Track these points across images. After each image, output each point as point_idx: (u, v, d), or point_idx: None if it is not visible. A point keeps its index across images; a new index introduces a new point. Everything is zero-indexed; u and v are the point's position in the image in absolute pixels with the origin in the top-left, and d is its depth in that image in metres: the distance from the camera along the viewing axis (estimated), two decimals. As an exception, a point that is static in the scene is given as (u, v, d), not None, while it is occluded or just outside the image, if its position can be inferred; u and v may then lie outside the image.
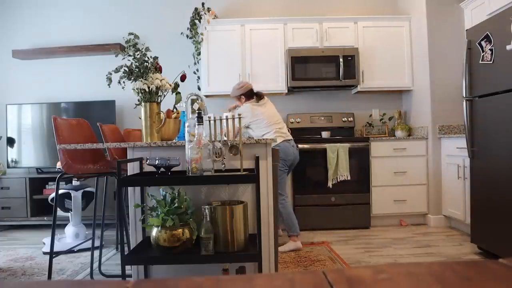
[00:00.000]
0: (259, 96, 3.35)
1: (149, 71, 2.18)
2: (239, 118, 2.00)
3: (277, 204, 2.41)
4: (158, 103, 2.22)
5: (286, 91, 4.31)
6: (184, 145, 1.92)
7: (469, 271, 0.36)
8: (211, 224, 1.78)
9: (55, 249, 2.86)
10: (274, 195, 2.12)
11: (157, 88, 2.18)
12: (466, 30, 3.14)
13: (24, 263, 3.02)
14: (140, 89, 2.16)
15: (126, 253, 1.80)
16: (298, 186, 3.88)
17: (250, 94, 3.34)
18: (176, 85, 2.37)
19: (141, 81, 2.15)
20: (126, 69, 2.16)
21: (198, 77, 4.48)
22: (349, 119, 4.49)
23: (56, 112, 4.41)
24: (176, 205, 1.79)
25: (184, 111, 2.55)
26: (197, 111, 1.90)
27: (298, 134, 4.38)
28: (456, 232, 3.63)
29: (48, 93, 4.67)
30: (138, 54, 2.18)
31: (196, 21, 4.28)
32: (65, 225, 3.53)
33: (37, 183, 4.33)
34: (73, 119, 2.65)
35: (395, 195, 3.96)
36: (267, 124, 3.22)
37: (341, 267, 2.77)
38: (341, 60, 4.15)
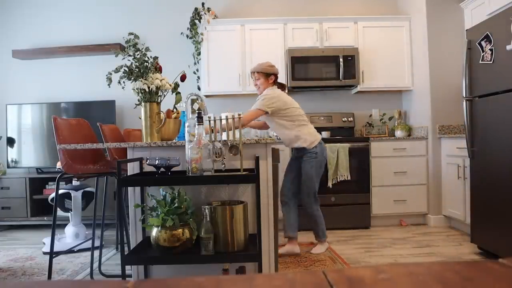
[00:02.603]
0: (282, 87, 3.08)
1: (149, 71, 2.18)
2: (239, 117, 2.00)
3: (277, 204, 2.40)
4: (158, 103, 2.22)
5: (286, 91, 4.30)
6: (184, 145, 1.92)
7: (469, 271, 0.36)
8: (211, 224, 1.78)
9: (55, 249, 2.86)
10: (274, 195, 2.12)
11: (157, 88, 2.18)
12: (466, 30, 3.14)
13: (24, 263, 3.02)
14: (140, 89, 2.16)
15: (126, 253, 1.80)
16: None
17: (276, 80, 3.04)
18: (176, 85, 2.37)
19: (141, 81, 2.15)
20: (126, 69, 2.16)
21: (198, 77, 4.48)
22: (349, 119, 4.49)
23: (56, 112, 4.41)
24: (176, 205, 1.79)
25: (184, 111, 2.55)
26: (197, 111, 1.90)
27: (298, 134, 4.38)
28: (456, 232, 3.63)
29: (48, 93, 4.67)
30: (138, 54, 2.18)
31: (196, 21, 4.28)
32: (65, 225, 3.53)
33: (37, 183, 4.33)
34: (73, 119, 2.65)
35: (395, 195, 3.96)
36: (300, 115, 2.94)
37: (341, 267, 2.77)
38: (341, 60, 4.15)
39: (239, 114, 2.02)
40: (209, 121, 1.96)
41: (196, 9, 4.30)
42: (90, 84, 4.61)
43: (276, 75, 3.00)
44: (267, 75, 2.97)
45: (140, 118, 2.22)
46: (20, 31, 4.71)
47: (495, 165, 2.73)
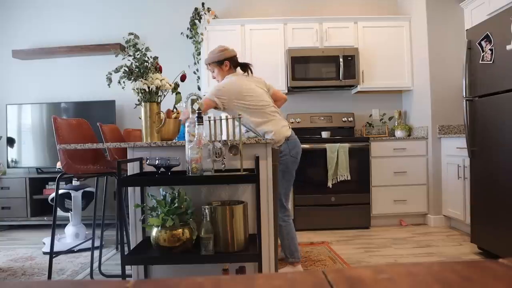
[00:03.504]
0: (246, 68, 2.59)
1: (149, 71, 2.18)
2: (240, 118, 2.00)
3: (276, 207, 2.39)
4: (158, 103, 2.22)
5: (286, 91, 4.30)
6: (184, 145, 1.92)
7: (469, 271, 0.36)
8: (211, 224, 1.78)
9: (55, 249, 2.87)
10: (274, 195, 2.12)
11: (157, 88, 2.18)
12: (466, 30, 3.14)
13: (24, 263, 3.02)
14: (140, 89, 2.16)
15: (126, 253, 1.80)
16: (298, 186, 3.87)
17: (236, 63, 2.59)
18: (176, 85, 2.37)
19: (141, 81, 2.15)
20: (126, 69, 2.16)
21: (198, 77, 4.48)
22: (349, 119, 4.49)
23: (56, 112, 4.41)
24: (176, 205, 1.79)
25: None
26: (197, 111, 1.90)
27: (298, 134, 4.36)
28: (456, 232, 3.63)
29: (48, 93, 4.67)
30: (138, 54, 2.18)
31: (196, 21, 4.28)
32: (65, 225, 3.53)
33: (37, 183, 4.33)
34: (73, 119, 2.65)
35: (395, 195, 3.96)
36: (266, 106, 2.51)
37: (341, 267, 2.77)
38: (341, 60, 4.16)
39: (239, 114, 2.02)
40: (209, 121, 1.96)
41: (196, 9, 4.30)
42: (90, 84, 4.61)
43: (230, 58, 2.56)
44: (219, 62, 2.55)
45: (140, 118, 2.22)
46: (20, 31, 4.71)
47: (495, 165, 2.73)
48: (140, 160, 2.05)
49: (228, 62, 2.56)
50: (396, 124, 4.34)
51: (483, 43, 2.82)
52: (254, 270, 2.00)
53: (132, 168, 2.07)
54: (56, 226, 2.40)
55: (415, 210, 3.98)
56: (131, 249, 2.06)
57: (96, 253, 2.85)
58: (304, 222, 3.80)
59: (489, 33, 2.74)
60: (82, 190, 3.47)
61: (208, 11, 4.33)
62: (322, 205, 3.89)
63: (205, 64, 2.69)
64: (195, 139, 1.84)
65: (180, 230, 1.77)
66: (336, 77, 4.20)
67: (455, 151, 3.59)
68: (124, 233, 2.08)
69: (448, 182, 3.75)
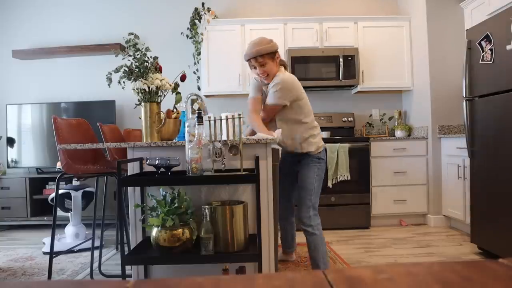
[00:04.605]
0: (286, 66, 2.45)
1: (149, 71, 2.18)
2: (240, 117, 1.99)
3: (276, 207, 2.39)
4: (158, 103, 2.22)
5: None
6: (184, 145, 1.92)
7: (469, 271, 0.36)
8: (211, 224, 1.78)
9: (55, 249, 2.86)
10: (274, 195, 2.12)
11: (157, 88, 2.18)
12: (466, 30, 3.14)
13: (24, 263, 3.02)
14: (140, 89, 2.16)
15: (126, 253, 1.80)
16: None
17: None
18: (176, 85, 2.37)
19: (141, 81, 2.15)
20: (126, 69, 2.16)
21: (198, 77, 4.48)
22: (349, 119, 4.49)
23: (56, 112, 4.41)
24: (176, 205, 1.79)
25: (184, 111, 2.55)
26: (197, 111, 1.90)
27: (298, 134, 4.37)
28: (456, 232, 3.63)
29: (48, 93, 4.67)
30: (138, 54, 2.18)
31: (196, 21, 4.28)
32: (65, 225, 3.53)
33: (37, 183, 4.33)
34: (73, 119, 2.65)
35: (395, 195, 3.96)
36: (312, 111, 2.39)
37: (341, 267, 2.77)
38: (341, 60, 4.15)
39: (239, 114, 2.02)
40: (209, 121, 1.96)
41: (196, 9, 4.30)
42: (90, 84, 4.61)
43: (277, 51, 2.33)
44: (273, 53, 2.26)
45: (140, 118, 2.22)
46: (20, 31, 4.71)
47: (495, 165, 2.73)
48: (140, 160, 2.05)
49: (278, 53, 2.29)
50: (396, 124, 4.34)
51: (483, 43, 2.82)
52: (254, 270, 2.00)
53: (132, 168, 2.07)
54: (56, 226, 2.40)
55: (415, 210, 3.98)
56: (131, 249, 2.06)
57: (96, 253, 2.85)
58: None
59: (489, 33, 2.74)
60: (82, 190, 3.47)
61: (208, 11, 4.33)
62: (322, 205, 3.86)
63: (251, 58, 2.28)
64: (195, 139, 1.84)
65: (180, 230, 1.77)
66: (336, 77, 4.20)
67: (455, 151, 3.59)
68: (124, 233, 2.08)
69: (448, 182, 3.75)
